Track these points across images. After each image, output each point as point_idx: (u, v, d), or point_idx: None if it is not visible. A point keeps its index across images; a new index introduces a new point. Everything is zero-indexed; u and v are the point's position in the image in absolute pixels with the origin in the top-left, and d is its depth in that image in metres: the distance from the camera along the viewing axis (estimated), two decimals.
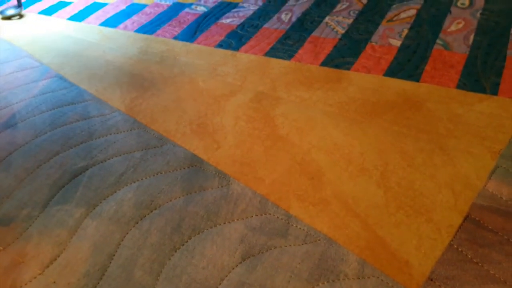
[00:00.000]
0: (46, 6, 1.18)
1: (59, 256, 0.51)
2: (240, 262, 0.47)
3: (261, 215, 0.52)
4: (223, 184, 0.56)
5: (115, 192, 0.57)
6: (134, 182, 0.58)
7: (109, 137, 0.66)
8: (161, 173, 0.59)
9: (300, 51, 0.82)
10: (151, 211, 0.54)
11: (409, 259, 0.46)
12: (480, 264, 0.43)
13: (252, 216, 0.52)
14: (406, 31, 0.83)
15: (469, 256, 0.44)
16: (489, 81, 0.67)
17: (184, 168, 0.59)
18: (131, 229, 0.52)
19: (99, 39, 0.96)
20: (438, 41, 0.79)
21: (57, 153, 0.64)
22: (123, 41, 0.93)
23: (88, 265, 0.49)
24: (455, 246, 0.46)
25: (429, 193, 0.52)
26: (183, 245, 0.49)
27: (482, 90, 0.66)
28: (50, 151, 0.65)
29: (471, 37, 0.78)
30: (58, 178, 0.60)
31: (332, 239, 0.48)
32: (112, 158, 0.62)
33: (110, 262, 0.49)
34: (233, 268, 0.46)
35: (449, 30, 0.82)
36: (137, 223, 0.53)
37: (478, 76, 0.69)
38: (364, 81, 0.71)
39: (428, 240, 0.47)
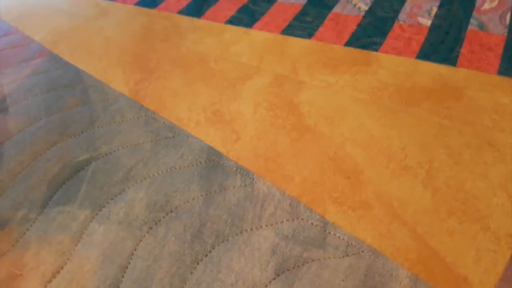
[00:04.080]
0: None
1: (62, 268, 0.44)
2: (274, 278, 0.41)
3: (293, 220, 0.45)
4: (247, 183, 0.50)
5: (124, 190, 0.50)
6: (145, 178, 0.51)
7: (113, 125, 0.59)
8: (175, 168, 0.52)
9: (320, 29, 0.74)
10: (167, 214, 0.47)
11: (468, 275, 0.40)
12: None
13: (282, 222, 0.45)
14: (435, 9, 0.76)
15: None
16: None
17: (201, 163, 0.52)
18: (144, 236, 0.45)
19: (96, 13, 0.87)
20: (472, 20, 0.72)
21: (54, 143, 0.57)
22: (123, 16, 0.85)
23: (98, 280, 0.42)
24: None
25: (482, 195, 0.46)
26: (206, 255, 0.43)
27: None
28: (47, 141, 0.58)
29: (508, 16, 0.71)
30: (57, 173, 0.53)
31: (377, 250, 0.42)
32: (118, 150, 0.55)
33: (123, 276, 0.43)
34: (266, 286, 0.40)
35: (482, 8, 0.74)
36: (152, 228, 0.46)
37: None
38: (396, 64, 0.64)
39: (487, 252, 0.41)
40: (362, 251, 0.42)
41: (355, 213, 0.46)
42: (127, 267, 0.43)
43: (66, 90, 0.66)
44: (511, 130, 0.52)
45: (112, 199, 0.49)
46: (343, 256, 0.42)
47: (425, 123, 0.54)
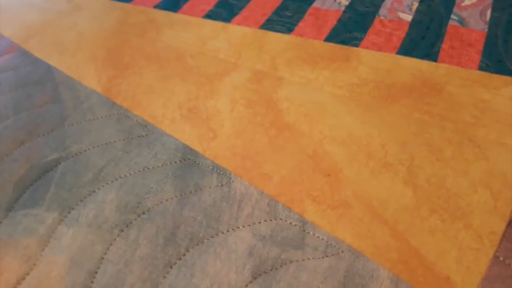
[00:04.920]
0: None
1: (28, 274, 0.42)
2: (251, 281, 0.39)
3: (271, 220, 0.44)
4: (223, 182, 0.48)
5: (94, 191, 0.48)
6: (116, 179, 0.49)
7: (84, 123, 0.56)
8: (148, 168, 0.50)
9: (300, 24, 0.73)
10: (139, 216, 0.45)
11: (450, 274, 0.39)
12: None
13: (260, 222, 0.44)
14: (416, 4, 0.75)
15: None
16: None
17: (176, 162, 0.50)
18: (115, 239, 0.43)
19: (69, 8, 0.84)
20: (452, 16, 0.71)
21: (22, 143, 0.54)
22: (97, 10, 0.82)
23: (65, 286, 0.40)
24: (501, 259, 0.39)
25: (464, 192, 0.45)
26: (180, 259, 0.41)
27: (508, 72, 0.59)
28: (14, 141, 0.55)
29: (488, 12, 0.71)
30: (24, 174, 0.50)
31: (357, 250, 0.41)
32: (89, 149, 0.53)
33: (92, 282, 0.40)
34: None
35: (463, 4, 0.74)
36: (122, 231, 0.44)
37: (501, 57, 0.62)
38: (376, 60, 0.63)
39: (469, 250, 0.40)
40: (342, 251, 0.40)
41: (334, 212, 0.44)
42: (96, 272, 0.41)
43: (36, 87, 0.63)
44: (492, 126, 0.52)
45: (81, 200, 0.47)
46: (322, 257, 0.40)
47: (405, 119, 0.53)
